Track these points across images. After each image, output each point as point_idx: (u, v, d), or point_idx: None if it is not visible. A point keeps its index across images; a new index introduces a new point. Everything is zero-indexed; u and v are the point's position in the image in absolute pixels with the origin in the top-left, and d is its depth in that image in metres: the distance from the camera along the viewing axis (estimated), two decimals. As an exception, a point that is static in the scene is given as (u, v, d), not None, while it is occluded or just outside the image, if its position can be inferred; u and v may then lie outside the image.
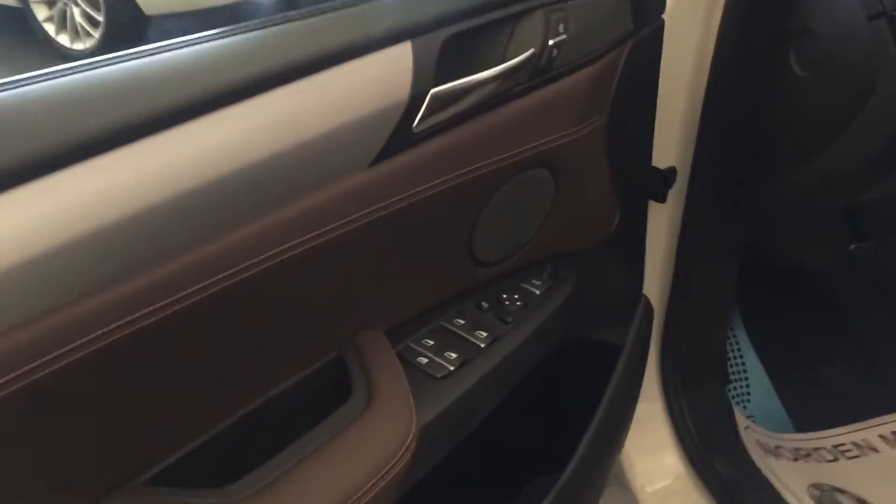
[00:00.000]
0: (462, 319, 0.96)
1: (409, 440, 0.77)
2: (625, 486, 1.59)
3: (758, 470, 1.56)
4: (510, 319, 0.98)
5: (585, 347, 1.26)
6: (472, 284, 1.00)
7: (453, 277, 0.97)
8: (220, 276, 0.67)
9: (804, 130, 1.24)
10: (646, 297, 1.28)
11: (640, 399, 1.45)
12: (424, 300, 0.95)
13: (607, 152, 1.06)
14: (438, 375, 0.88)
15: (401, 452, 0.76)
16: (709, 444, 1.52)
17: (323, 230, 0.75)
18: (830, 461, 1.66)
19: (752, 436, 1.64)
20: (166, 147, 0.62)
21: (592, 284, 1.18)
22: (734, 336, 1.76)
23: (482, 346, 0.93)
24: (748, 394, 1.75)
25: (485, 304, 0.99)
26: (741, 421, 1.62)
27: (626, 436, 1.36)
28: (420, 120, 0.79)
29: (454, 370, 0.89)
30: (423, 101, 0.78)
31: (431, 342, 0.92)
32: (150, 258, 0.62)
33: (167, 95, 0.62)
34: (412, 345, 0.91)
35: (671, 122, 1.28)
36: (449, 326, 0.95)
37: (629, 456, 1.58)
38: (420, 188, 0.82)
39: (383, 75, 0.75)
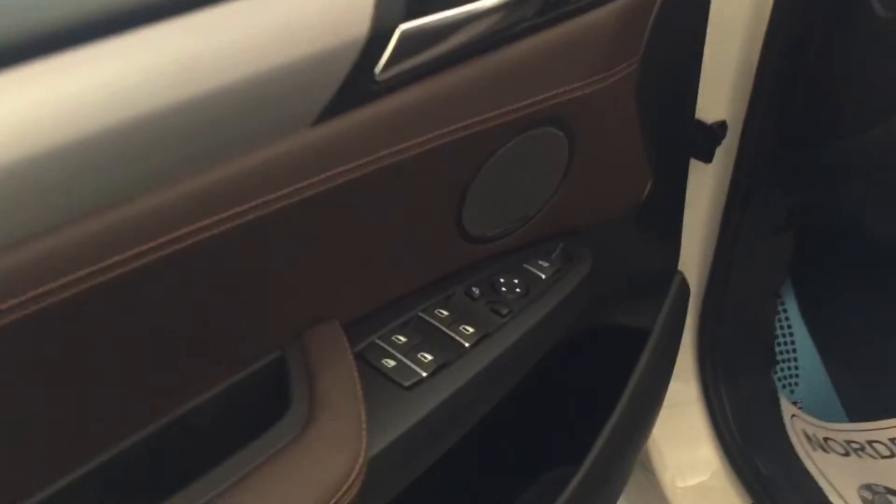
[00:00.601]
0: (445, 310, 0.78)
1: (352, 475, 0.61)
2: (652, 478, 1.43)
3: (803, 467, 1.41)
4: (506, 311, 0.80)
5: (607, 330, 1.09)
6: (460, 265, 0.82)
7: (435, 256, 0.79)
8: (123, 255, 0.51)
9: (883, 83, 1.04)
10: (681, 273, 1.09)
11: (673, 381, 1.30)
12: (397, 285, 0.77)
13: (639, 107, 0.87)
14: (406, 384, 0.71)
15: (340, 491, 0.60)
16: (749, 437, 1.37)
17: (256, 202, 0.57)
18: (887, 457, 1.48)
19: (799, 425, 1.48)
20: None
21: (615, 263, 1.00)
22: (784, 310, 1.57)
23: (467, 344, 0.76)
24: (797, 377, 1.57)
25: (476, 291, 0.82)
26: (787, 408, 1.47)
27: (652, 426, 1.20)
28: (385, 65, 0.61)
29: (427, 376, 0.72)
30: (390, 41, 0.60)
31: (403, 339, 0.75)
32: None
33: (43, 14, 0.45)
34: (379, 342, 0.74)
35: (722, 70, 1.09)
36: (428, 319, 0.78)
37: (658, 445, 1.43)
38: (385, 152, 0.64)
39: (331, 3, 0.57)
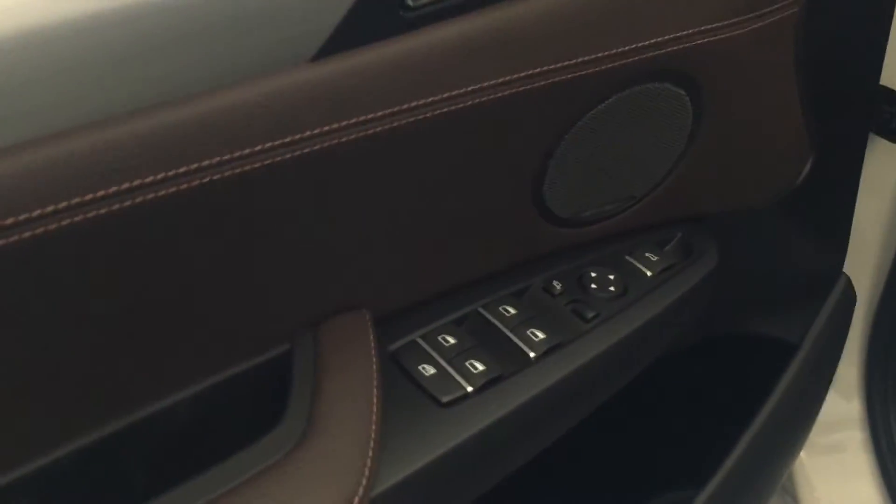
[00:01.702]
0: (514, 308, 0.62)
1: None
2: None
3: None
4: (592, 315, 0.63)
5: (745, 341, 0.89)
6: (541, 253, 0.66)
7: (506, 239, 0.63)
8: (94, 195, 0.40)
9: None
10: (846, 276, 0.87)
11: (834, 397, 1.11)
12: (453, 272, 0.62)
13: (797, 64, 0.66)
14: (444, 399, 0.56)
15: None
16: (922, 478, 1.12)
17: (253, 149, 0.44)
18: None
19: None
20: None
21: (757, 261, 0.80)
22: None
23: (532, 354, 0.60)
24: None
25: (558, 287, 0.65)
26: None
27: (795, 452, 1.01)
28: None
29: (473, 392, 0.57)
30: None
31: (451, 341, 0.59)
32: None
33: None
34: (420, 342, 0.59)
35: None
36: (489, 317, 0.62)
37: (808, 474, 1.22)
38: (424, 102, 0.49)
39: None
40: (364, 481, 0.49)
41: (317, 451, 0.49)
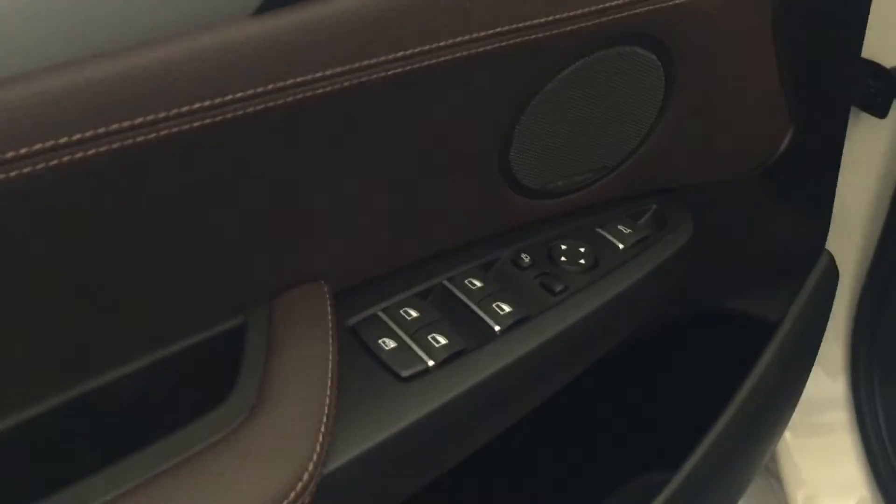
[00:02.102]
0: (480, 281, 0.60)
1: (291, 495, 0.44)
2: (780, 494, 1.21)
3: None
4: (560, 287, 0.61)
5: (724, 318, 0.88)
6: (510, 224, 0.64)
7: (473, 210, 0.61)
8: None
9: None
10: (829, 253, 0.86)
11: (820, 377, 1.10)
12: (417, 243, 0.60)
13: (776, 29, 0.64)
14: (404, 373, 0.54)
15: None
16: (908, 461, 1.11)
17: (193, 107, 0.42)
18: None
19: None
20: None
21: (735, 235, 0.78)
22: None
23: (497, 328, 0.58)
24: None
25: (526, 260, 0.63)
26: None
27: (776, 434, 1.00)
28: None
29: (434, 366, 0.55)
30: None
31: (414, 314, 0.58)
32: None
33: None
34: (382, 315, 0.57)
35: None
36: (454, 290, 0.60)
37: (792, 454, 1.20)
38: (377, 60, 0.46)
39: None
40: (315, 457, 0.47)
41: (265, 427, 0.47)
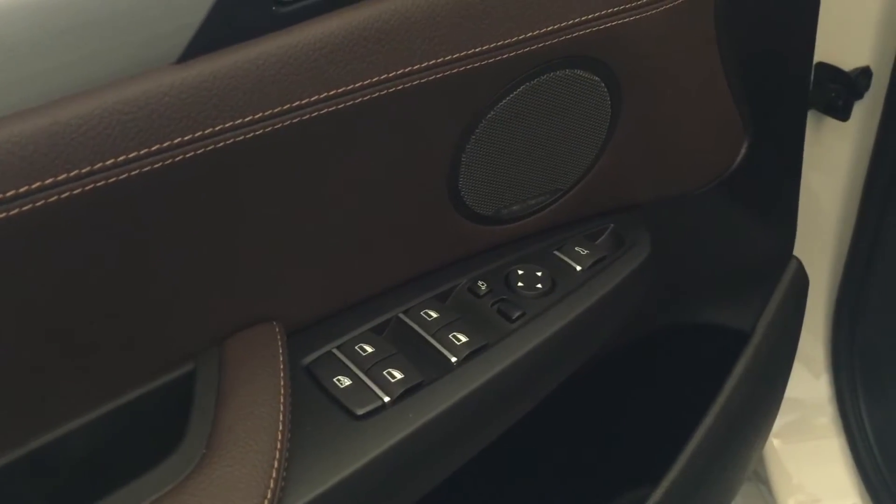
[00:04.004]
0: (436, 312, 0.60)
1: None
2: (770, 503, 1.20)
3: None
4: (518, 314, 0.61)
5: (695, 331, 0.87)
6: (465, 252, 0.63)
7: (426, 241, 0.60)
8: None
9: None
10: (797, 260, 0.85)
11: (805, 382, 1.11)
12: (370, 279, 0.59)
13: (721, 43, 0.64)
14: (359, 411, 0.54)
15: None
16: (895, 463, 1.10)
17: (118, 160, 0.41)
18: None
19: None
20: None
21: (698, 248, 0.78)
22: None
23: (454, 359, 0.57)
24: (966, 385, 1.28)
25: (483, 287, 0.63)
26: (950, 428, 1.18)
27: (759, 442, 1.00)
28: None
29: (389, 402, 0.54)
30: None
31: (369, 350, 0.57)
32: None
33: None
34: (337, 353, 0.57)
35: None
36: (409, 323, 0.59)
37: (782, 461, 1.19)
38: (306, 101, 0.46)
39: None
40: (266, 503, 0.46)
41: (214, 476, 0.47)
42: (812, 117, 0.95)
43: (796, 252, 0.88)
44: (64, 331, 0.46)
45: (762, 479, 1.21)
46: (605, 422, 0.85)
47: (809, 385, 1.16)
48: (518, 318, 0.61)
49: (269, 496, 0.47)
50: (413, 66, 0.50)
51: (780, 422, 1.12)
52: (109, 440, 0.50)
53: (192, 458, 0.48)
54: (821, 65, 0.91)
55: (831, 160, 0.98)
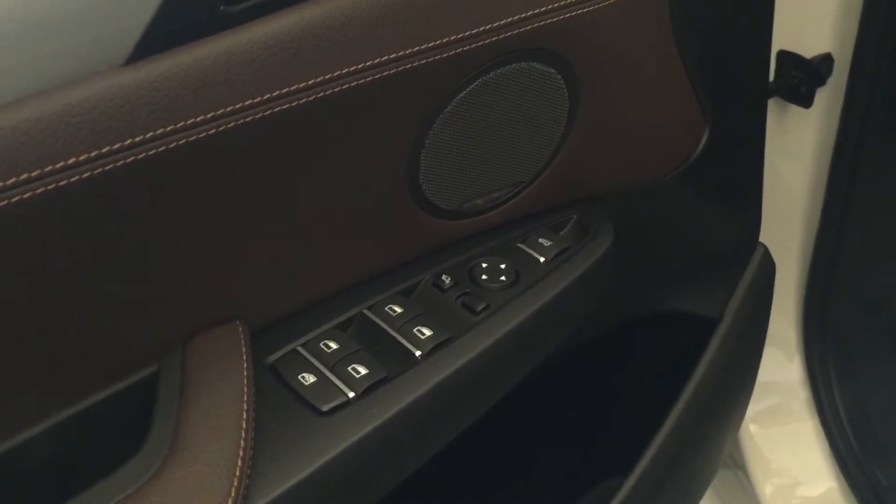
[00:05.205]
0: (400, 307, 0.60)
1: None
2: (749, 488, 1.21)
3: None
4: (482, 307, 0.61)
5: (664, 319, 0.88)
6: (429, 247, 0.64)
7: (389, 237, 0.61)
8: None
9: None
10: (763, 246, 0.86)
11: (777, 365, 1.12)
12: (334, 276, 0.60)
13: (677, 32, 0.65)
14: (324, 407, 0.54)
15: None
16: (868, 443, 1.11)
17: (76, 160, 0.42)
18: None
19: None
20: None
21: (663, 237, 0.78)
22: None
23: (418, 353, 0.58)
24: (937, 365, 1.29)
25: (447, 281, 0.63)
26: (922, 407, 1.19)
27: (732, 428, 1.00)
28: None
29: (354, 398, 0.55)
30: None
31: (334, 346, 0.57)
32: None
33: None
34: (301, 350, 0.57)
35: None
36: (374, 319, 0.60)
37: (757, 446, 1.20)
38: (258, 100, 0.46)
39: None
40: (230, 502, 0.47)
41: (177, 476, 0.47)
42: (776, 105, 0.96)
43: (765, 238, 0.88)
44: (22, 336, 0.46)
45: (739, 465, 1.22)
46: (577, 412, 0.85)
47: (783, 368, 1.17)
48: (482, 310, 0.61)
49: (233, 494, 0.47)
50: (365, 62, 0.50)
51: (756, 407, 1.13)
52: (72, 445, 0.50)
53: (155, 459, 0.48)
54: (783, 52, 0.92)
55: (796, 146, 0.99)
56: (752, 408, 1.09)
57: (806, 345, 1.14)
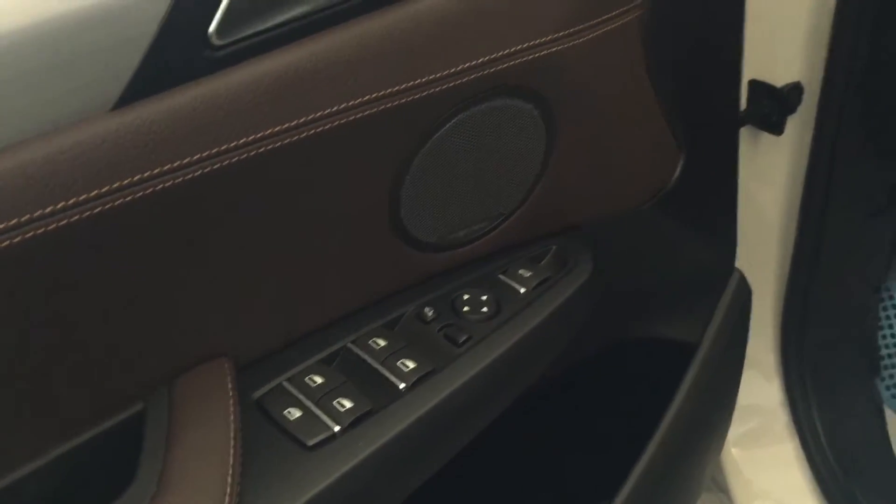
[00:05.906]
0: (384, 340, 0.61)
1: None
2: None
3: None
4: (464, 338, 0.62)
5: (643, 346, 0.89)
6: (411, 280, 0.65)
7: (372, 272, 0.62)
8: None
9: None
10: (739, 271, 0.88)
11: (756, 390, 1.12)
12: (318, 311, 0.61)
13: (650, 66, 0.67)
14: (310, 442, 0.54)
15: None
16: (846, 461, 1.13)
17: (65, 204, 0.42)
18: None
19: (914, 445, 1.23)
20: None
21: (642, 266, 0.80)
22: (892, 305, 1.32)
23: (402, 385, 0.59)
24: (910, 385, 1.32)
25: (430, 313, 0.64)
26: (896, 425, 1.21)
27: (712, 453, 1.01)
28: (222, 23, 0.44)
29: (339, 431, 0.55)
30: None
31: (319, 380, 0.58)
32: None
33: None
34: (287, 385, 0.58)
35: (791, 17, 0.87)
36: (358, 352, 0.60)
37: (740, 469, 1.21)
38: (241, 142, 0.48)
39: None
40: None
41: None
42: (748, 132, 0.98)
43: (742, 263, 0.90)
44: (10, 378, 0.47)
45: (722, 488, 1.23)
46: (558, 439, 0.86)
47: (763, 391, 1.18)
48: (464, 342, 0.62)
49: None
50: (346, 102, 0.51)
51: (737, 430, 1.14)
52: (57, 485, 0.50)
53: (142, 498, 0.49)
54: (754, 82, 0.94)
55: (769, 173, 1.01)
56: (734, 431, 1.10)
57: (784, 367, 1.16)
